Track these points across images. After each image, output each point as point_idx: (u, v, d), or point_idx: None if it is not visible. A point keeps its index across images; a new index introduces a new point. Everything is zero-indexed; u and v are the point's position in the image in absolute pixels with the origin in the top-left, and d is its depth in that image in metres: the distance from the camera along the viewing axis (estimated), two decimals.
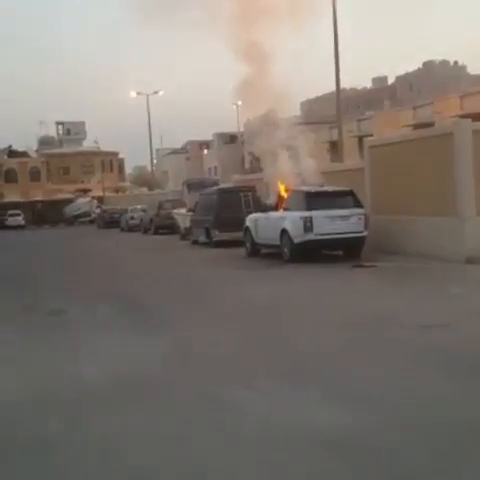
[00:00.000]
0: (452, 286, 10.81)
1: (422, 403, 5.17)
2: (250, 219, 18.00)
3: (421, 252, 14.41)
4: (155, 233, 30.75)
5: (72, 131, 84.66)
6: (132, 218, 37.12)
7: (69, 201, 56.73)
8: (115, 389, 6.00)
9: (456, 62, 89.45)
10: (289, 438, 4.60)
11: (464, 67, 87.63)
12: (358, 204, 15.48)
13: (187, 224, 25.10)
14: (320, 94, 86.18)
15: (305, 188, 16.05)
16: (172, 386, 6.00)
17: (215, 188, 24.02)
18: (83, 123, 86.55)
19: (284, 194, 16.55)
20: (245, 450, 4.47)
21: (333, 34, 23.26)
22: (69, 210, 54.14)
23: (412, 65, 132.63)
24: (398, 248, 15.20)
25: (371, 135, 28.50)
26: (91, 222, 49.08)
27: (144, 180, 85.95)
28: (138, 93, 55.42)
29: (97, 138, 74.92)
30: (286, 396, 5.54)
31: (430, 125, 33.34)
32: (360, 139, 40.64)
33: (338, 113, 24.14)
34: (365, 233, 15.21)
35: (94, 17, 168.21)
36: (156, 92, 56.02)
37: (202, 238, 22.63)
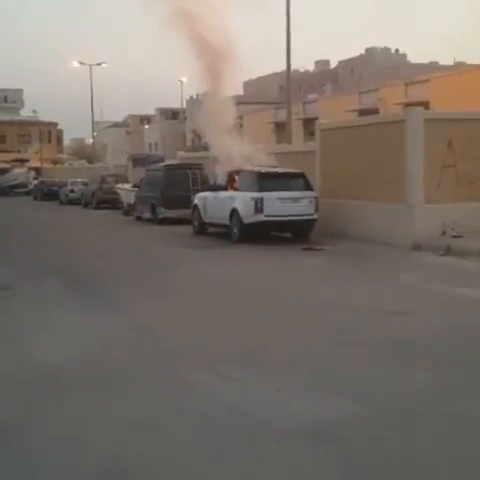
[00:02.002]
0: (402, 272, 10.95)
1: (403, 394, 5.12)
2: (199, 197, 17.82)
3: (369, 237, 14.53)
4: (97, 207, 30.10)
5: (9, 99, 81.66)
6: (72, 191, 36.17)
7: (4, 171, 54.85)
8: (78, 373, 5.73)
9: (397, 50, 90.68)
10: (264, 427, 4.49)
11: (404, 55, 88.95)
12: (309, 187, 15.50)
13: (131, 200, 24.64)
14: (261, 75, 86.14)
15: (257, 169, 15.94)
16: (138, 371, 5.78)
17: (162, 164, 23.62)
18: (21, 91, 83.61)
19: (235, 174, 16.39)
20: (219, 440, 4.32)
21: (285, 12, 23.05)
22: (4, 180, 52.36)
23: (354, 50, 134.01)
24: (346, 232, 15.29)
25: (316, 118, 28.54)
26: (27, 193, 47.59)
27: (82, 153, 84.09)
28: (81, 63, 53.84)
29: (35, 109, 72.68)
30: (256, 383, 5.42)
31: (375, 111, 33.76)
32: (305, 122, 40.92)
33: (288, 94, 24.01)
34: (315, 216, 15.27)
35: None
36: (100, 64, 54.57)
37: (147, 214, 22.28)
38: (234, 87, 17.37)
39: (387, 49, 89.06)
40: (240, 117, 18.36)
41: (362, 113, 35.17)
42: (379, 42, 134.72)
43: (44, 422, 4.66)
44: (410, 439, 4.26)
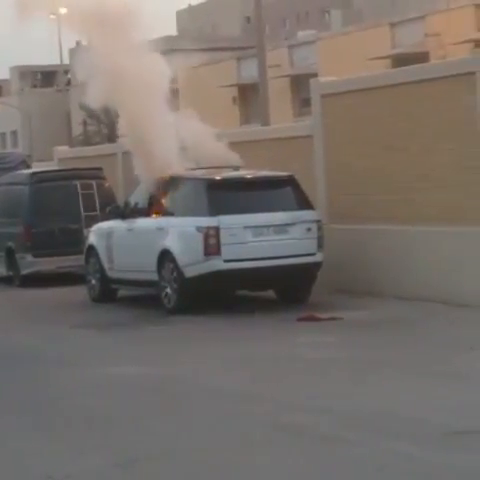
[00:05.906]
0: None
1: None
2: (98, 232, 18.01)
3: (421, 291, 14.77)
4: None
5: None
6: None
7: None
8: None
9: None
10: None
11: None
12: (305, 203, 15.71)
13: None
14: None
15: (205, 174, 16.23)
16: None
17: (25, 173, 23.65)
18: None
19: (165, 185, 16.51)
20: None
21: None
22: None
23: None
24: (377, 285, 15.55)
25: (314, 75, 29.02)
26: None
27: None
28: None
29: None
30: None
31: (421, 58, 34.33)
32: (295, 81, 41.36)
33: (259, 29, 24.15)
34: (319, 257, 15.45)
35: None
36: None
37: None
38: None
39: None
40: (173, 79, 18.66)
41: (398, 61, 35.82)
42: None
43: None
44: None
